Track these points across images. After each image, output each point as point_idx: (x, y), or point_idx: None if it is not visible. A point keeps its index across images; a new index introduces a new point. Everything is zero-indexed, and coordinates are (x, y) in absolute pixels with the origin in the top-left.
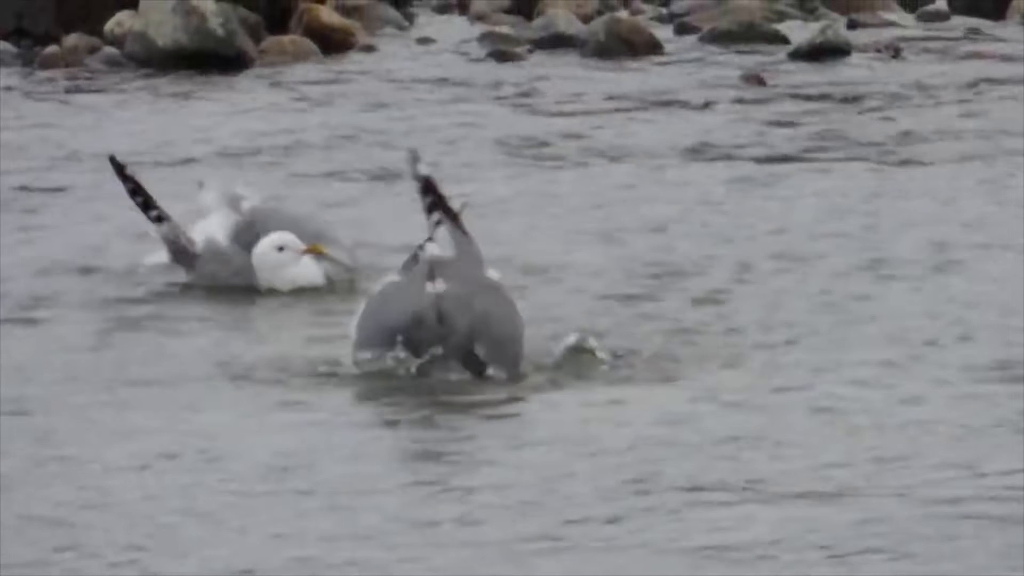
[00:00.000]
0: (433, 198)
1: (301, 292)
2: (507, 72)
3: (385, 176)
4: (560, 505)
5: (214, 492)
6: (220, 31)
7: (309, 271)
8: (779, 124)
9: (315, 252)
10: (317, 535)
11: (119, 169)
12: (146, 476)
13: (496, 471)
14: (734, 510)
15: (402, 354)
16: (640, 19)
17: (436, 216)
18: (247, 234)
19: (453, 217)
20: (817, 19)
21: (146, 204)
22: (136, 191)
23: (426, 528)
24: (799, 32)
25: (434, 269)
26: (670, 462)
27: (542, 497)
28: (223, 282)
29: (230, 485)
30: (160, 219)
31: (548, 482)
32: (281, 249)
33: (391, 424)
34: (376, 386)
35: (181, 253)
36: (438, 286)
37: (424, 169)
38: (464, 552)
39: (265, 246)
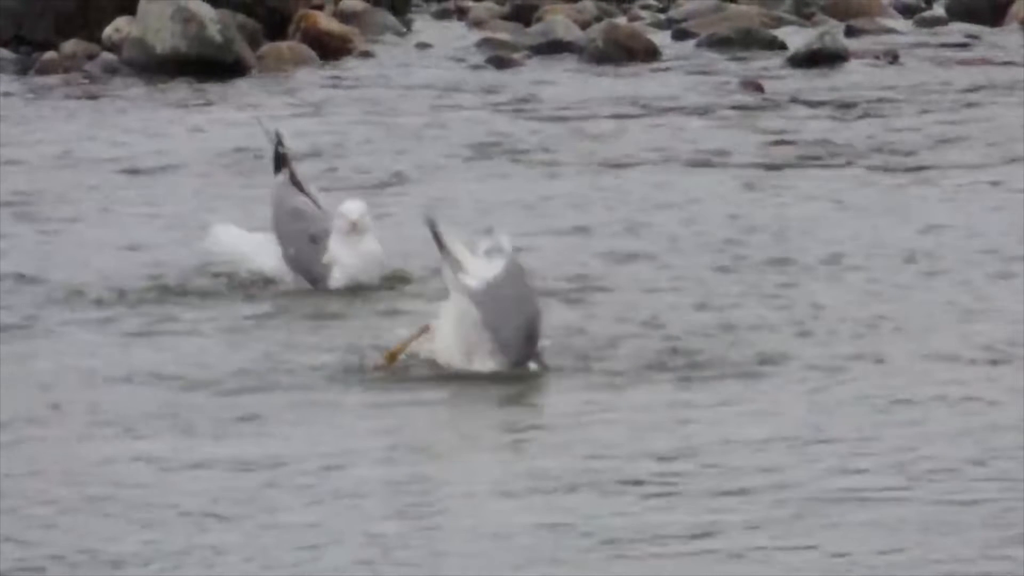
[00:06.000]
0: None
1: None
2: (505, 78)
3: (384, 182)
4: (609, 514)
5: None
6: (218, 37)
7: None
8: (777, 130)
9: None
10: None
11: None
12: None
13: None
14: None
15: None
16: (638, 25)
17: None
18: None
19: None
20: (815, 25)
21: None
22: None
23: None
24: (797, 38)
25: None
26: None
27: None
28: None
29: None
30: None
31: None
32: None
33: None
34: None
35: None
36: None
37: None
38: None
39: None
